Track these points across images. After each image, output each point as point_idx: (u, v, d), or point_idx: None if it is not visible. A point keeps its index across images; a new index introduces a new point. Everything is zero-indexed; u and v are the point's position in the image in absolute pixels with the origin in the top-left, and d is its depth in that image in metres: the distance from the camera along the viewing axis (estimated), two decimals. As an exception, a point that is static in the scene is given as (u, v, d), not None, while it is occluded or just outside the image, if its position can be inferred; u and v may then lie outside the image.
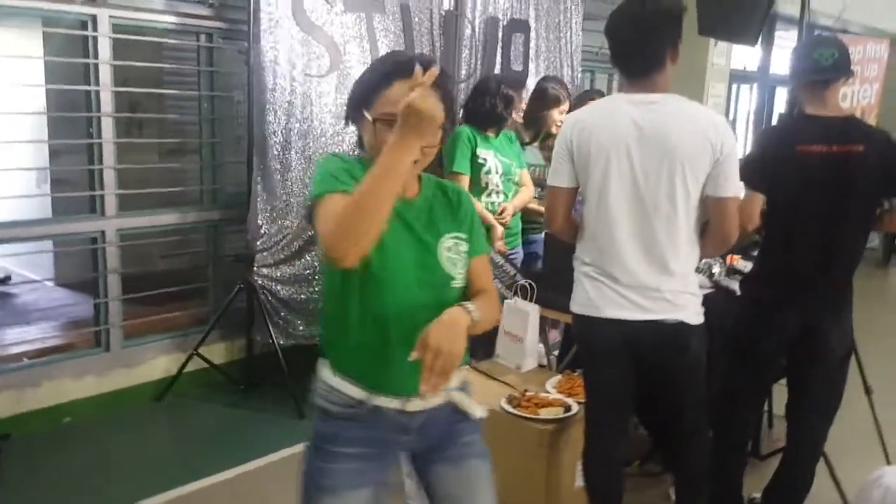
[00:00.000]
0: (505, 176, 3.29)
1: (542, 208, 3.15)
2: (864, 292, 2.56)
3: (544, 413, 2.41)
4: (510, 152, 3.36)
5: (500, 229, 3.25)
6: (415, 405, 1.43)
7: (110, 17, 3.27)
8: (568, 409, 2.44)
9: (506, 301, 2.85)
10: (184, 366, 3.54)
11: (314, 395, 1.48)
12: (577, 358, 2.68)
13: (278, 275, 3.57)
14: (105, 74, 3.29)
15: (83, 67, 3.29)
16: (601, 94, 3.87)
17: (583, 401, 2.29)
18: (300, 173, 3.54)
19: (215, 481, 2.86)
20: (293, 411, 3.39)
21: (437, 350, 1.25)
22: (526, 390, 2.55)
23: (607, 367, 2.09)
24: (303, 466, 1.48)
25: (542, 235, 3.37)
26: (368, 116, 1.38)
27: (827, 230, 2.23)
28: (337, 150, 3.61)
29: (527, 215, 3.54)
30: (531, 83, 4.05)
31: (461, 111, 3.36)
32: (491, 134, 3.30)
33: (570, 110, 3.40)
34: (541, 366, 2.93)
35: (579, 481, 2.34)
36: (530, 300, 2.83)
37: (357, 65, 3.60)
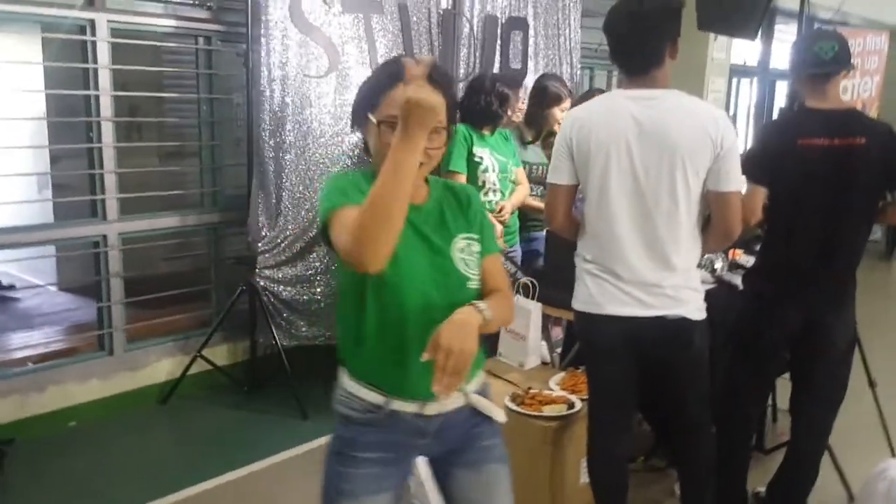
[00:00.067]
0: (501, 174, 3.29)
1: (543, 205, 3.15)
2: (867, 285, 2.55)
3: (548, 410, 2.41)
4: (506, 150, 3.36)
5: (499, 227, 3.25)
6: (432, 408, 1.43)
7: (109, 21, 3.27)
8: (571, 406, 2.44)
9: (508, 299, 2.84)
10: (187, 368, 3.55)
11: (334, 402, 1.48)
12: (580, 355, 2.67)
13: (280, 276, 3.57)
14: (104, 79, 3.30)
15: (82, 72, 3.29)
16: (602, 93, 3.86)
17: (586, 398, 2.29)
18: (300, 174, 3.54)
19: (220, 483, 2.87)
20: (297, 412, 3.40)
21: (448, 350, 1.24)
22: (529, 388, 2.55)
23: (609, 364, 2.09)
24: (323, 471, 1.48)
25: (544, 233, 3.37)
26: (373, 119, 1.38)
27: (829, 224, 2.23)
28: (336, 151, 3.61)
29: (528, 213, 3.53)
30: (530, 81, 4.04)
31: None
32: (486, 132, 3.29)
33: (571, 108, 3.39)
34: (544, 363, 2.93)
35: (584, 478, 2.34)
36: (532, 298, 2.82)
37: (355, 65, 3.60)
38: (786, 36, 6.36)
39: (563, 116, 3.37)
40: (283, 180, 3.51)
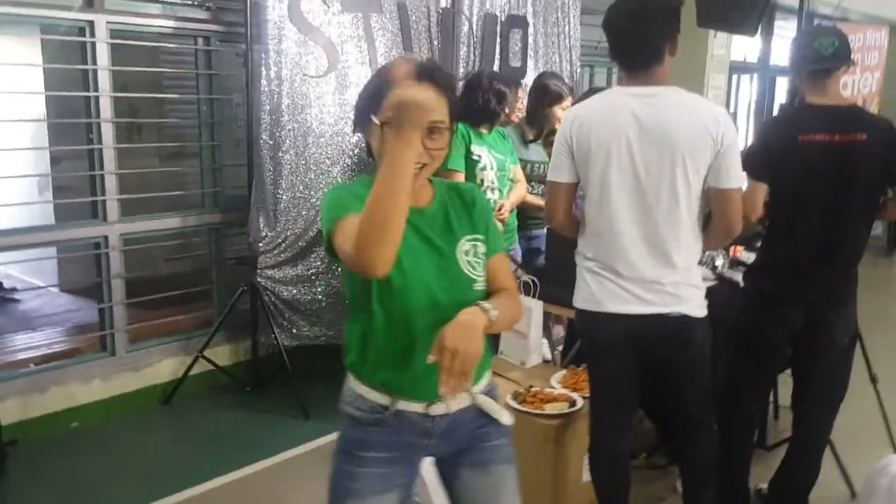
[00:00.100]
0: (500, 172, 3.28)
1: (543, 203, 3.14)
2: (868, 281, 2.55)
3: (549, 408, 2.41)
4: (503, 148, 3.35)
5: (499, 226, 3.25)
6: (438, 409, 1.43)
7: (108, 22, 3.27)
8: (573, 403, 2.44)
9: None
10: (189, 368, 3.56)
11: (341, 403, 1.49)
12: (581, 353, 2.67)
13: (281, 276, 3.58)
14: (104, 80, 3.30)
15: (82, 73, 3.29)
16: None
17: (588, 395, 2.29)
18: (300, 174, 3.54)
19: (222, 483, 2.87)
20: (298, 412, 3.40)
21: (453, 351, 1.24)
22: (531, 386, 2.55)
23: (611, 362, 2.09)
24: (331, 470, 1.48)
25: (545, 231, 3.37)
26: (376, 121, 1.37)
27: (829, 220, 2.22)
28: (336, 150, 3.61)
29: (529, 210, 3.53)
30: (529, 79, 4.04)
31: None
32: (484, 130, 3.29)
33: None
34: (545, 361, 2.93)
35: (586, 475, 2.34)
36: (533, 296, 2.82)
37: (355, 65, 3.60)
38: (786, 32, 6.36)
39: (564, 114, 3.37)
40: (284, 180, 3.51)
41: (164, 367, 3.59)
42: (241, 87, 3.55)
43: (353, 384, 1.47)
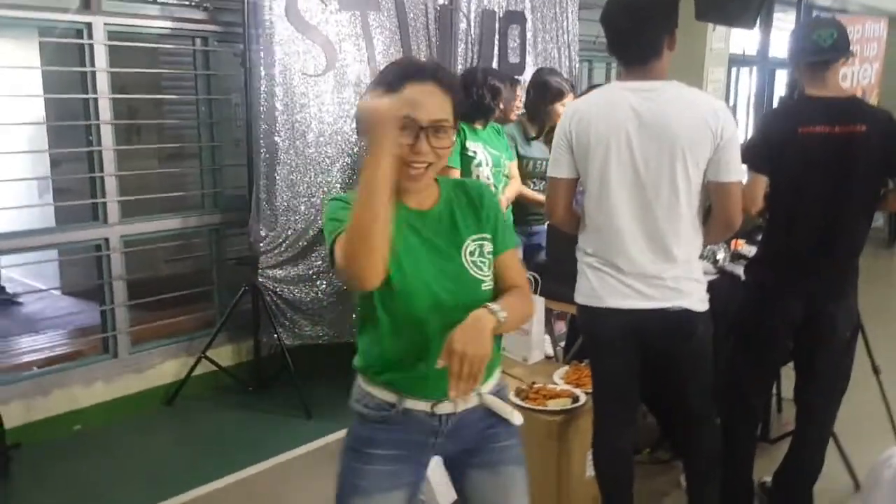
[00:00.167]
0: (495, 168, 3.27)
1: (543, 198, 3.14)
2: (869, 273, 2.55)
3: (552, 404, 2.41)
4: (498, 144, 3.34)
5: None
6: (444, 408, 1.43)
7: (105, 24, 3.27)
8: (576, 399, 2.44)
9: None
10: (192, 369, 3.56)
11: (351, 400, 1.49)
12: (584, 348, 2.68)
13: (282, 276, 3.58)
14: (102, 82, 3.29)
15: (80, 75, 3.29)
16: None
17: (591, 391, 2.29)
18: (300, 173, 3.53)
19: (226, 483, 2.88)
20: (301, 412, 3.40)
21: (462, 355, 1.24)
22: (534, 382, 2.55)
23: (612, 358, 2.09)
24: (338, 467, 1.49)
25: (545, 226, 3.36)
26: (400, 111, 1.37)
27: (829, 211, 2.22)
28: (336, 149, 3.60)
29: (529, 206, 3.53)
30: (529, 75, 4.03)
31: None
32: (479, 126, 3.28)
33: None
34: (547, 357, 2.93)
35: (590, 471, 2.34)
36: (535, 292, 2.82)
37: (353, 63, 3.60)
38: (785, 24, 6.34)
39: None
40: (283, 179, 3.50)
41: (166, 368, 3.59)
42: (240, 87, 3.55)
43: (362, 382, 1.48)
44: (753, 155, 2.21)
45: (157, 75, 4.05)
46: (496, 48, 4.36)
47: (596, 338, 2.13)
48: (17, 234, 3.31)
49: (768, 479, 2.62)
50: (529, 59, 4.57)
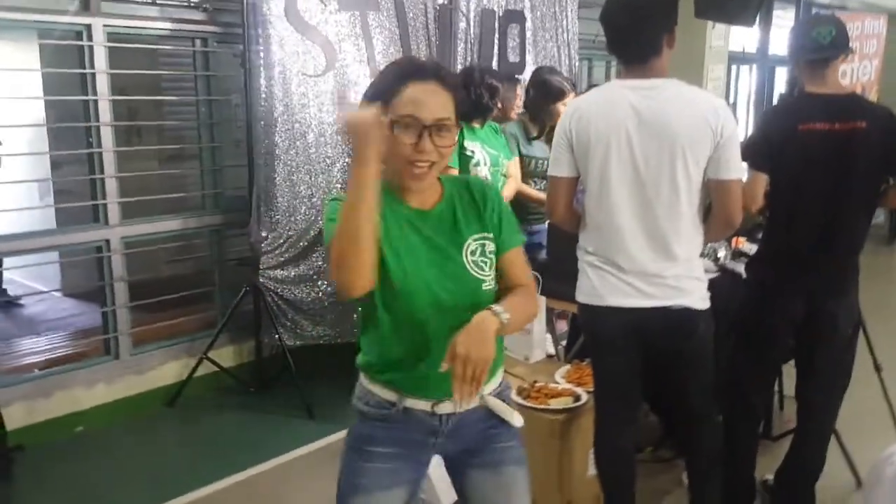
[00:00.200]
0: (493, 167, 3.27)
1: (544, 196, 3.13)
2: (870, 270, 2.55)
3: (554, 403, 2.41)
4: (496, 143, 3.34)
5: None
6: (444, 408, 1.44)
7: (105, 25, 3.27)
8: (578, 398, 2.44)
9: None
10: (194, 370, 3.56)
11: (353, 399, 1.50)
12: (585, 347, 2.68)
13: (283, 276, 3.58)
14: (102, 83, 3.29)
15: (80, 77, 3.29)
16: None
17: (592, 390, 2.29)
18: (300, 173, 3.54)
19: (228, 484, 2.88)
20: (303, 412, 3.40)
21: (465, 358, 1.24)
22: (535, 381, 2.55)
23: (613, 356, 2.09)
24: (340, 465, 1.50)
25: (546, 225, 3.36)
26: (385, 120, 1.35)
27: (829, 209, 2.22)
28: (336, 149, 3.60)
29: (530, 205, 3.52)
30: (529, 74, 4.02)
31: None
32: (476, 125, 3.28)
33: None
34: (549, 356, 2.93)
35: (592, 470, 2.34)
36: (536, 291, 2.82)
37: (353, 63, 3.60)
38: (784, 22, 6.33)
39: (565, 110, 3.36)
40: (284, 180, 3.51)
41: (167, 369, 3.59)
42: (240, 87, 3.55)
43: (364, 380, 1.49)
44: (754, 153, 2.21)
45: (157, 76, 4.05)
46: (496, 47, 4.36)
47: (597, 336, 2.13)
48: (18, 236, 3.31)
49: (770, 477, 2.62)
50: (529, 58, 4.57)
